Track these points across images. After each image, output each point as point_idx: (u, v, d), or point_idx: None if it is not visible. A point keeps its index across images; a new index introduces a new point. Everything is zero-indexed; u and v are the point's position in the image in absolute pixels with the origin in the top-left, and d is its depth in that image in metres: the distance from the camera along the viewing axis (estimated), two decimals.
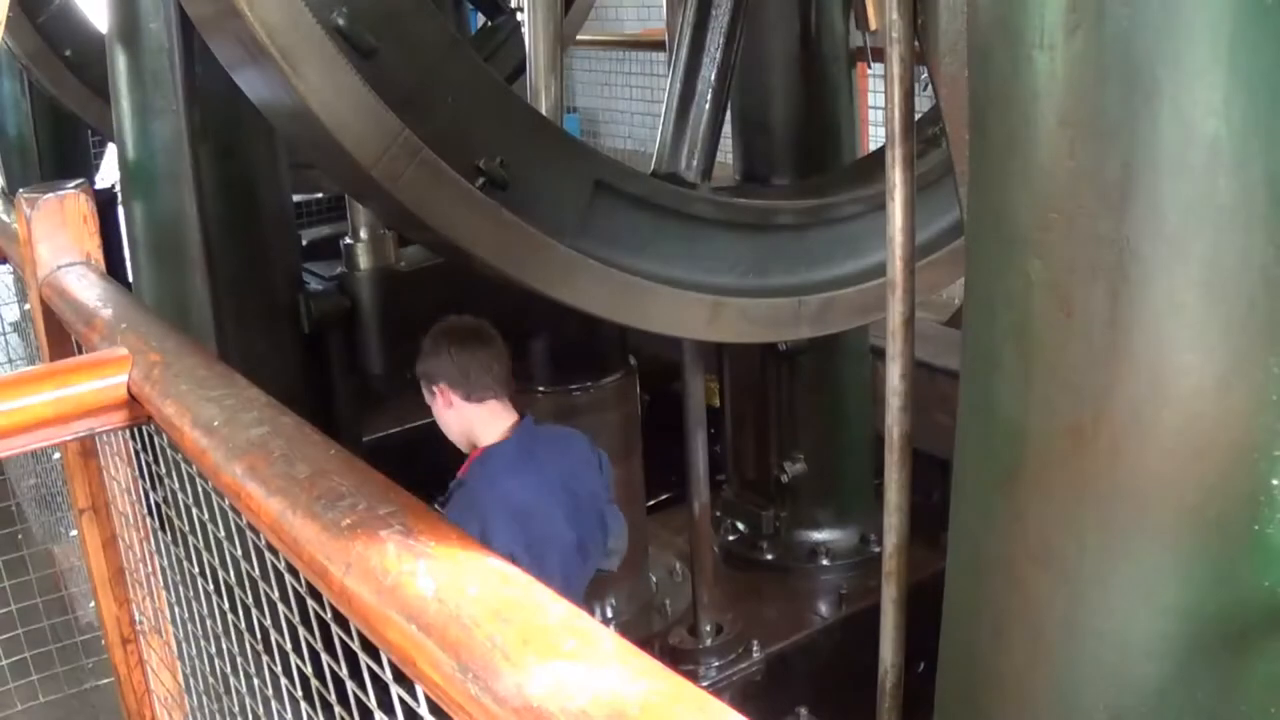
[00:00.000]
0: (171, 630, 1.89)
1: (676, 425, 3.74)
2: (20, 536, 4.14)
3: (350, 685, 1.13)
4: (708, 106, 3.34)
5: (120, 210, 4.39)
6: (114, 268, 2.31)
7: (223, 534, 1.49)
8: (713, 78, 3.34)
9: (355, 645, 1.06)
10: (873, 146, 5.91)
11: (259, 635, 1.45)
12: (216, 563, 1.54)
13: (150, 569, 1.86)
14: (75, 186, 1.84)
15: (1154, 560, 1.37)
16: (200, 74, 3.49)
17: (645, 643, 3.84)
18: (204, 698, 1.80)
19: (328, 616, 1.12)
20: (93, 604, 2.10)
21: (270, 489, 1.08)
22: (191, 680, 1.85)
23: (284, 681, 1.36)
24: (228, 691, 1.63)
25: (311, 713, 1.30)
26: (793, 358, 4.17)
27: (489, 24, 5.98)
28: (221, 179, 3.70)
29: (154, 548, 1.85)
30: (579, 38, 7.18)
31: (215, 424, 1.24)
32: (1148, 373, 1.31)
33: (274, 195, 3.94)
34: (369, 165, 2.67)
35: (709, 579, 3.88)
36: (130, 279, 4.11)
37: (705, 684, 3.71)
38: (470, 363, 2.83)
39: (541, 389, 3.94)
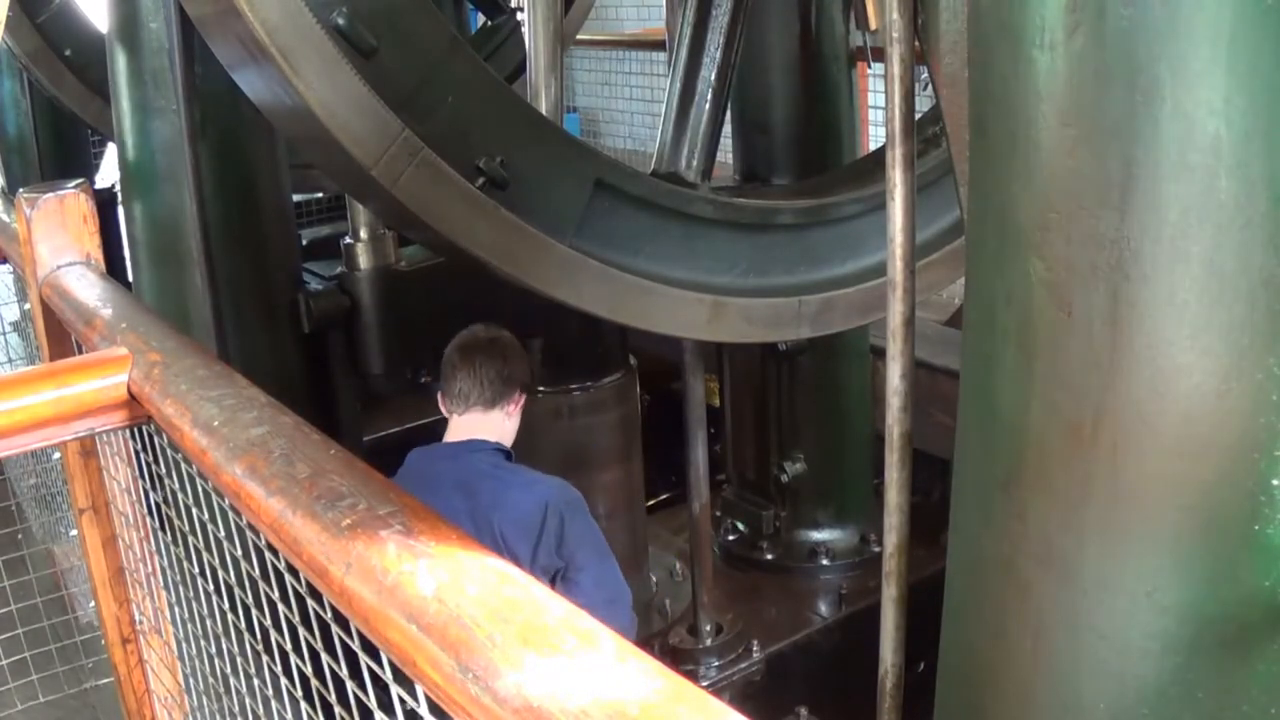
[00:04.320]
0: (171, 630, 1.89)
1: (676, 425, 3.74)
2: (20, 536, 4.14)
3: (350, 685, 1.13)
4: (708, 106, 3.34)
5: (120, 210, 4.39)
6: (114, 268, 2.31)
7: (223, 534, 1.49)
8: (713, 78, 3.33)
9: (355, 645, 1.06)
10: (873, 146, 5.90)
11: (259, 635, 1.45)
12: (216, 563, 1.54)
13: (150, 569, 1.86)
14: (75, 186, 1.84)
15: (1154, 560, 1.37)
16: (200, 73, 3.49)
17: (645, 643, 3.84)
18: (204, 698, 1.80)
19: (328, 616, 1.12)
20: (93, 604, 2.11)
21: (270, 489, 1.08)
22: (191, 680, 1.85)
23: (284, 681, 1.36)
24: (228, 691, 1.63)
25: (311, 713, 1.30)
26: (793, 358, 4.17)
27: (489, 24, 5.98)
28: (221, 179, 3.70)
29: (154, 548, 1.85)
30: (579, 38, 7.17)
31: (215, 424, 1.24)
32: (1148, 373, 1.31)
33: (274, 195, 3.94)
34: (369, 165, 2.67)
35: (709, 579, 3.87)
36: (130, 279, 4.11)
37: (705, 684, 3.71)
38: (447, 377, 2.97)
39: (542, 389, 3.94)
